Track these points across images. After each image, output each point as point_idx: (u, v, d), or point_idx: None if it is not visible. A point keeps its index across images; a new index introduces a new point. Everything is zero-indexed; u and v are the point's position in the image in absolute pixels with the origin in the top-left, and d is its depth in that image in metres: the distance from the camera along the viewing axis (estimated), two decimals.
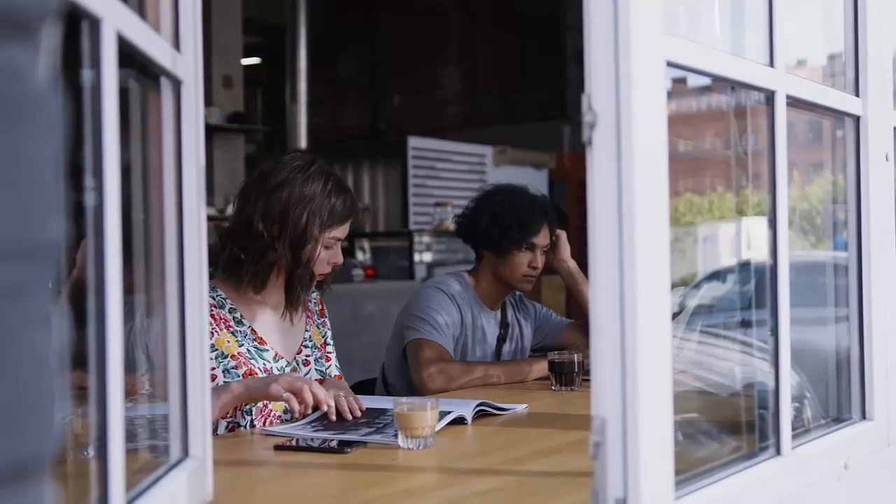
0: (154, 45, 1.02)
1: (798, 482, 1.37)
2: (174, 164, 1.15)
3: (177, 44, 1.14)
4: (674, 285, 1.09)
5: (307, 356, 2.12)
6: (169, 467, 1.12)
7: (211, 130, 6.27)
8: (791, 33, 1.38)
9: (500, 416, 1.97)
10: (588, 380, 2.14)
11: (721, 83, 1.39)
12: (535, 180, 6.53)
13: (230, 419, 1.92)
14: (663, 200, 1.03)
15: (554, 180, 7.32)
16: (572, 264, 2.72)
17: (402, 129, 7.61)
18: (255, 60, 8.97)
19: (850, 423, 1.59)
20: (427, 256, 6.40)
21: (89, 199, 0.83)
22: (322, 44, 8.06)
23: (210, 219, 2.82)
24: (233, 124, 6.77)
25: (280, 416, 1.98)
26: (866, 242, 1.59)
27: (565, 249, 2.70)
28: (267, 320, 2.06)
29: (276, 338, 2.06)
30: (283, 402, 1.81)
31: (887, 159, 1.65)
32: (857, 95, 1.60)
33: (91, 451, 0.89)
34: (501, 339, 2.71)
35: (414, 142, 6.96)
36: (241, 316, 2.02)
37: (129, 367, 0.92)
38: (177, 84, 1.14)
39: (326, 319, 2.23)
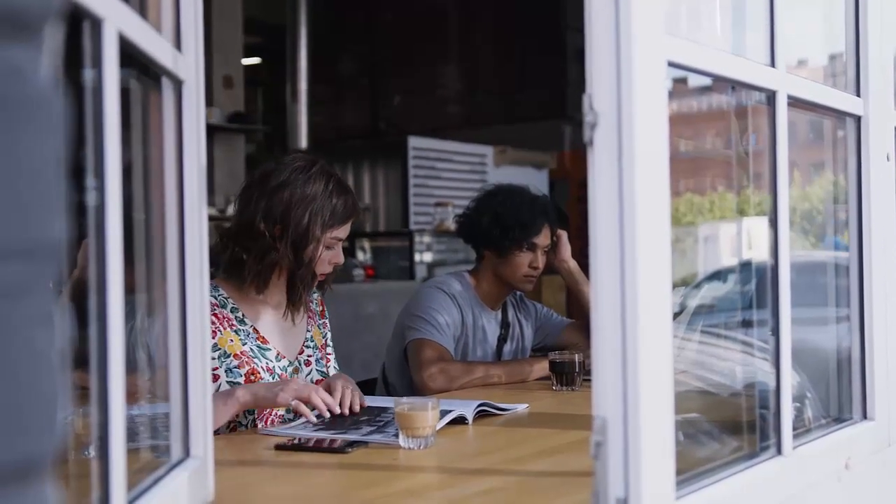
0: (155, 45, 1.02)
1: (799, 482, 1.37)
2: (175, 163, 1.15)
3: (178, 44, 1.15)
4: (675, 285, 1.09)
5: (308, 356, 2.12)
6: (170, 467, 1.12)
7: (211, 130, 6.27)
8: (792, 33, 1.38)
9: (501, 415, 1.97)
10: (589, 380, 2.15)
11: (722, 83, 1.39)
12: (535, 180, 6.53)
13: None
14: (664, 200, 1.03)
15: (554, 180, 7.32)
16: (573, 264, 2.72)
17: (403, 129, 7.62)
18: (255, 60, 8.97)
19: (851, 422, 1.59)
20: (427, 256, 6.40)
21: (90, 199, 0.83)
22: (322, 43, 8.06)
23: (211, 219, 2.82)
24: (233, 124, 6.77)
25: (282, 416, 1.98)
26: (867, 242, 1.59)
27: (566, 249, 2.71)
28: (269, 320, 2.07)
29: (278, 337, 2.06)
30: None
31: (888, 159, 1.65)
32: (858, 95, 1.60)
33: (92, 451, 0.90)
34: (502, 339, 2.71)
35: (414, 141, 6.96)
36: (244, 315, 2.02)
37: (131, 367, 0.92)
38: (178, 84, 1.14)
39: (326, 320, 2.23)
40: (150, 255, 1.14)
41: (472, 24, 8.32)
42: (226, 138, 6.77)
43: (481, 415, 1.93)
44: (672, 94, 1.09)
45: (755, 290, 1.54)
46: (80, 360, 0.80)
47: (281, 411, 1.98)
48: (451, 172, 7.08)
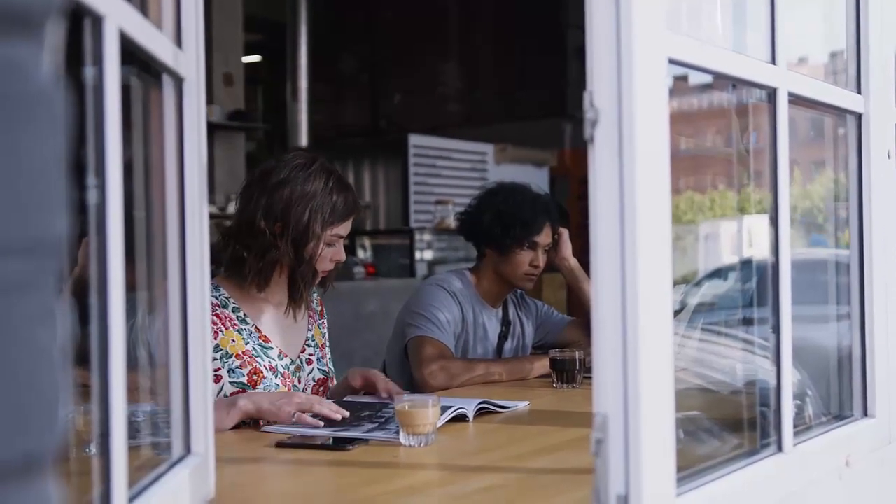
0: (156, 42, 1.02)
1: (799, 479, 1.37)
2: (176, 161, 1.15)
3: (178, 41, 1.14)
4: (675, 283, 1.09)
5: (310, 355, 2.13)
6: (171, 464, 1.12)
7: (212, 128, 6.27)
8: (793, 31, 1.38)
9: (502, 413, 1.97)
10: (589, 377, 2.15)
11: (722, 81, 1.38)
12: (536, 178, 6.53)
13: None
14: (665, 197, 1.03)
15: (555, 178, 7.32)
16: (574, 262, 2.72)
17: (403, 127, 7.62)
18: (255, 58, 8.98)
19: (852, 420, 1.59)
20: (428, 254, 6.40)
21: (91, 196, 0.83)
22: (323, 42, 8.06)
23: (211, 217, 2.82)
24: (233, 122, 6.77)
25: None
26: (868, 240, 1.59)
27: (567, 247, 2.71)
28: (270, 318, 2.07)
29: (280, 336, 2.07)
30: None
31: (889, 157, 1.65)
32: (859, 93, 1.60)
33: (93, 449, 0.90)
34: (503, 337, 2.71)
35: (415, 139, 6.96)
36: (245, 315, 2.02)
37: (132, 364, 0.92)
38: (179, 81, 1.14)
39: (325, 320, 2.23)
40: (151, 253, 1.14)
41: (473, 22, 8.32)
42: (226, 136, 6.77)
43: (482, 412, 1.93)
44: (673, 92, 1.09)
45: (756, 287, 1.54)
46: (81, 358, 0.80)
47: None
48: (451, 170, 7.08)
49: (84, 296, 0.85)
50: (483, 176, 6.99)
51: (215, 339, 1.94)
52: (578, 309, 2.99)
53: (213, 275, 2.00)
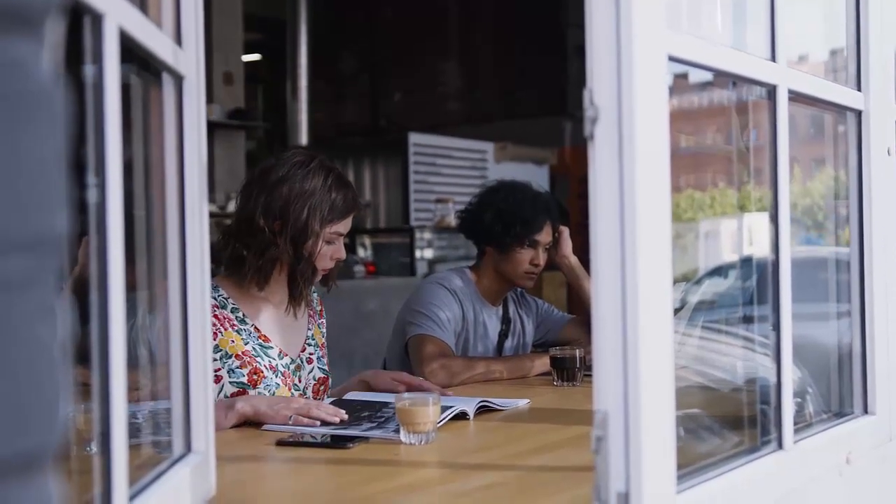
0: (156, 41, 1.02)
1: (800, 476, 1.37)
2: (176, 159, 1.15)
3: (178, 39, 1.14)
4: (675, 281, 1.09)
5: (310, 354, 2.13)
6: (172, 462, 1.12)
7: (212, 127, 6.27)
8: (793, 28, 1.38)
9: (502, 411, 1.97)
10: (590, 375, 2.14)
11: (722, 78, 1.38)
12: (536, 176, 6.54)
13: None
14: (665, 195, 1.03)
15: (555, 176, 7.32)
16: (574, 260, 2.72)
17: (403, 126, 7.62)
18: (255, 57, 8.97)
19: (852, 417, 1.59)
20: (428, 253, 6.40)
21: (91, 195, 0.83)
22: (322, 40, 8.06)
23: (211, 215, 2.82)
24: (233, 121, 6.77)
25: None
26: (868, 237, 1.59)
27: (567, 245, 2.70)
28: (270, 318, 2.06)
29: (280, 335, 2.06)
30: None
31: (889, 154, 1.65)
32: (859, 90, 1.60)
33: (94, 447, 0.90)
34: (503, 335, 2.71)
35: (415, 138, 6.96)
36: (244, 315, 2.02)
37: (132, 363, 0.92)
38: (178, 79, 1.14)
39: (324, 321, 2.23)
40: (151, 252, 1.14)
41: (473, 21, 8.32)
42: (226, 135, 6.77)
43: (482, 410, 1.93)
44: (673, 90, 1.09)
45: (756, 285, 1.54)
46: (82, 357, 0.80)
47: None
48: (451, 169, 7.08)
49: (84, 294, 0.85)
50: (483, 174, 7.00)
51: (214, 339, 1.94)
52: (579, 307, 2.99)
53: (213, 274, 2.00)
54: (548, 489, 1.38)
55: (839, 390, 1.65)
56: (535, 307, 2.82)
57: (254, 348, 2.00)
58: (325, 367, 2.16)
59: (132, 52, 0.95)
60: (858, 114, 1.60)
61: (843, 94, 1.57)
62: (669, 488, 1.04)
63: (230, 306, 2.01)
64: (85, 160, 0.83)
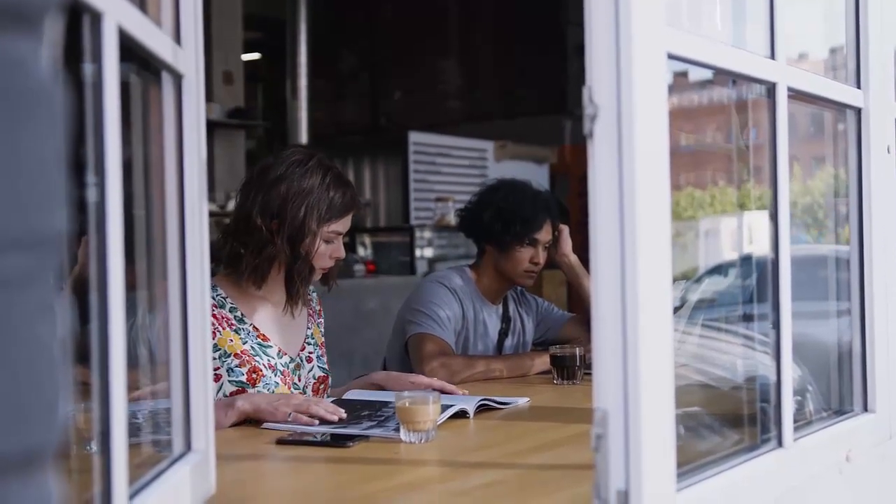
0: (155, 40, 1.02)
1: (800, 474, 1.37)
2: (175, 158, 1.15)
3: (178, 38, 1.14)
4: (675, 279, 1.09)
5: (310, 353, 2.13)
6: (172, 461, 1.13)
7: (211, 126, 6.27)
8: (792, 26, 1.38)
9: (502, 409, 1.97)
10: (590, 373, 2.14)
11: (722, 76, 1.38)
12: (536, 175, 6.53)
13: None
14: (665, 194, 1.03)
15: (555, 175, 7.32)
16: (574, 258, 2.72)
17: (403, 125, 7.62)
18: (255, 56, 8.97)
19: (852, 415, 1.59)
20: (428, 252, 6.40)
21: (91, 195, 0.83)
22: (322, 39, 8.06)
23: (211, 214, 2.82)
24: (233, 120, 6.77)
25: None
26: (868, 235, 1.59)
27: (567, 244, 2.70)
28: (268, 317, 2.06)
29: (279, 334, 2.06)
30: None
31: (889, 151, 1.65)
32: (859, 87, 1.60)
33: (94, 446, 0.90)
34: (503, 334, 2.71)
35: (415, 137, 6.96)
36: (243, 314, 2.02)
37: (132, 362, 0.92)
38: (178, 78, 1.14)
39: (322, 320, 2.23)
40: (151, 251, 1.14)
41: (473, 20, 8.32)
42: (226, 134, 6.77)
43: (482, 409, 1.93)
44: (672, 88, 1.09)
45: (756, 283, 1.54)
46: (82, 356, 0.80)
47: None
48: (451, 167, 7.09)
49: (84, 294, 0.85)
50: (483, 173, 7.00)
51: (213, 338, 1.94)
52: (579, 305, 2.99)
53: (213, 273, 2.00)
54: (548, 487, 1.38)
55: (839, 388, 1.66)
56: (535, 306, 2.82)
57: (252, 347, 1.99)
58: (325, 366, 2.16)
59: (131, 51, 0.95)
60: (858, 111, 1.60)
61: (842, 92, 1.57)
62: (669, 486, 1.04)
63: (228, 305, 2.01)
64: (84, 159, 0.83)
